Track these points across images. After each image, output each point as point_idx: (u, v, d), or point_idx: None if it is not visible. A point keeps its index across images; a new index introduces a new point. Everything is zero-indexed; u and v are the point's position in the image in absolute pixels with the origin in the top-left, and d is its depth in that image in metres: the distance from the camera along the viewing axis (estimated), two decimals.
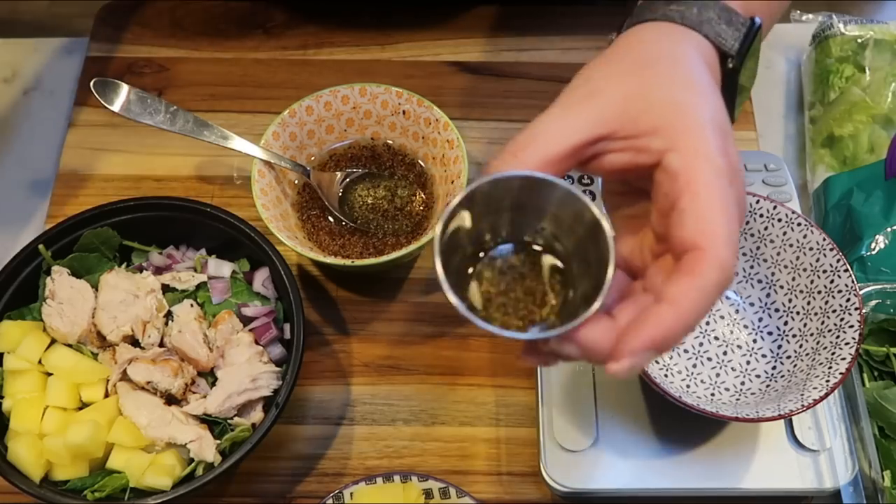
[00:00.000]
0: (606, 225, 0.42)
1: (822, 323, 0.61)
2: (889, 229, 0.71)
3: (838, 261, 0.61)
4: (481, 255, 0.45)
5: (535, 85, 0.84)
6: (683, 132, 0.43)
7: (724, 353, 0.65)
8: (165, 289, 0.67)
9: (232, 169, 0.79)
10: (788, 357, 0.63)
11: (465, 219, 0.42)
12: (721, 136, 0.44)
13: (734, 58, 0.50)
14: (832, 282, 0.61)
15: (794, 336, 0.64)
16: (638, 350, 0.40)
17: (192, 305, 0.65)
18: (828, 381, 0.57)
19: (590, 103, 0.44)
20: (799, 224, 0.63)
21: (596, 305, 0.40)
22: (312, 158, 0.75)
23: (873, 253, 0.71)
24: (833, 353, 0.59)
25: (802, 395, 0.58)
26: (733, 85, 0.51)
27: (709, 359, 0.65)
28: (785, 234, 0.64)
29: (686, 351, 0.65)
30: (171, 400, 0.62)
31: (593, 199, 0.73)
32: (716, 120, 0.44)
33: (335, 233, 0.72)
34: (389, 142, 0.76)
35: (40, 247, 0.65)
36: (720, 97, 0.46)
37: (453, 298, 0.40)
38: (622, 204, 0.48)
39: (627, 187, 0.47)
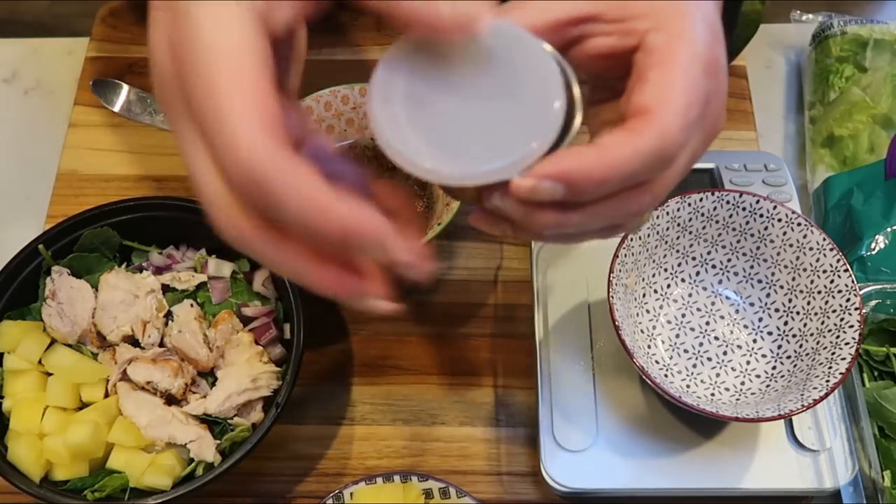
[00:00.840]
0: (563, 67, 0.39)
1: (822, 323, 0.61)
2: (889, 229, 0.71)
3: (838, 261, 0.61)
4: None
5: None
6: (672, 16, 0.40)
7: (724, 353, 0.65)
8: (165, 289, 0.67)
9: None
10: (788, 357, 0.63)
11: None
12: (709, 32, 0.40)
13: None
14: (832, 282, 0.61)
15: (794, 336, 0.64)
16: (547, 174, 0.37)
17: (192, 305, 0.65)
18: (828, 381, 0.57)
19: None
20: (799, 224, 0.63)
21: (537, 145, 0.37)
22: None
23: (873, 253, 0.71)
24: (833, 353, 0.59)
25: (802, 395, 0.58)
26: (734, 12, 0.48)
27: (709, 359, 0.65)
28: (785, 234, 0.64)
29: (686, 351, 0.65)
30: (171, 400, 0.62)
31: None
32: (707, 18, 0.41)
33: None
34: None
35: (40, 247, 0.65)
36: (717, 8, 0.43)
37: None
38: (597, 112, 0.44)
39: (602, 91, 0.44)
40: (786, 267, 0.64)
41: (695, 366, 0.65)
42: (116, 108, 0.74)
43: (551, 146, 0.38)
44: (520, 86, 0.39)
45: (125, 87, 0.76)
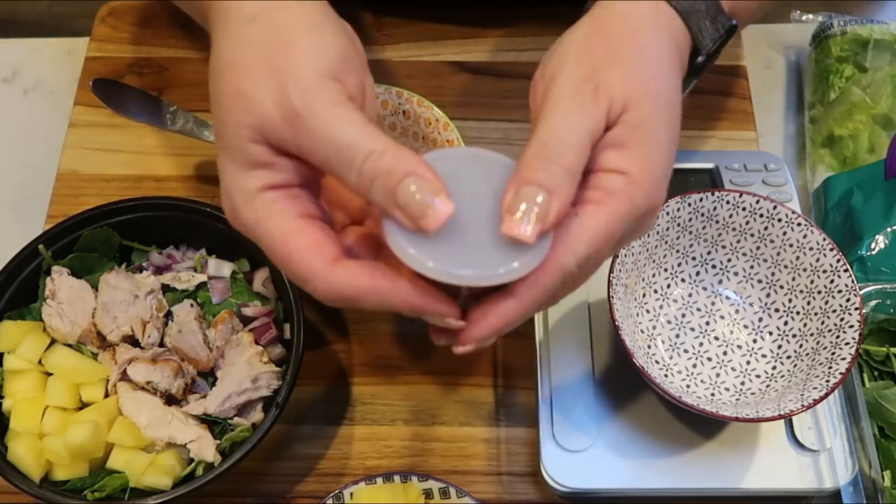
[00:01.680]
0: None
1: (823, 323, 0.61)
2: (889, 229, 0.71)
3: (838, 261, 0.61)
4: None
5: None
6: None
7: (724, 353, 0.65)
8: (165, 289, 0.67)
9: None
10: (788, 357, 0.63)
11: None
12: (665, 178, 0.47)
13: (705, 56, 0.52)
14: (832, 282, 0.61)
15: (794, 336, 0.64)
16: (482, 338, 0.44)
17: (192, 305, 0.65)
18: (828, 381, 0.57)
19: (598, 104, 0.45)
20: (799, 224, 0.63)
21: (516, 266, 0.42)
22: None
23: (873, 253, 0.71)
24: (833, 353, 0.59)
25: (802, 395, 0.58)
26: (694, 74, 0.53)
27: (709, 359, 0.65)
28: (785, 234, 0.64)
29: (686, 351, 0.65)
30: (171, 400, 0.62)
31: None
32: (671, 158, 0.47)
33: None
34: None
35: (40, 247, 0.65)
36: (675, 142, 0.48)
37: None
38: None
39: None
40: (786, 267, 0.64)
41: (695, 366, 0.65)
42: (116, 108, 0.74)
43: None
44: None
45: (125, 87, 0.76)
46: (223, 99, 0.44)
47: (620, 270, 0.62)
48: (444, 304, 0.44)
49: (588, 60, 0.46)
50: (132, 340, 0.65)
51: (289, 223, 0.43)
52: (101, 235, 0.67)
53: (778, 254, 0.65)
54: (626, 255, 0.62)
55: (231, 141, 0.44)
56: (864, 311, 0.60)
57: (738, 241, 0.65)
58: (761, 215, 0.64)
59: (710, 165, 0.75)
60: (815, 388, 0.57)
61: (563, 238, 0.43)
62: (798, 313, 0.64)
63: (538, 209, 0.41)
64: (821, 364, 0.59)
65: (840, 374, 0.57)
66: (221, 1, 0.47)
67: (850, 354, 0.58)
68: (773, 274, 0.65)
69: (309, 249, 0.43)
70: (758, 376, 0.64)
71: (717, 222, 0.65)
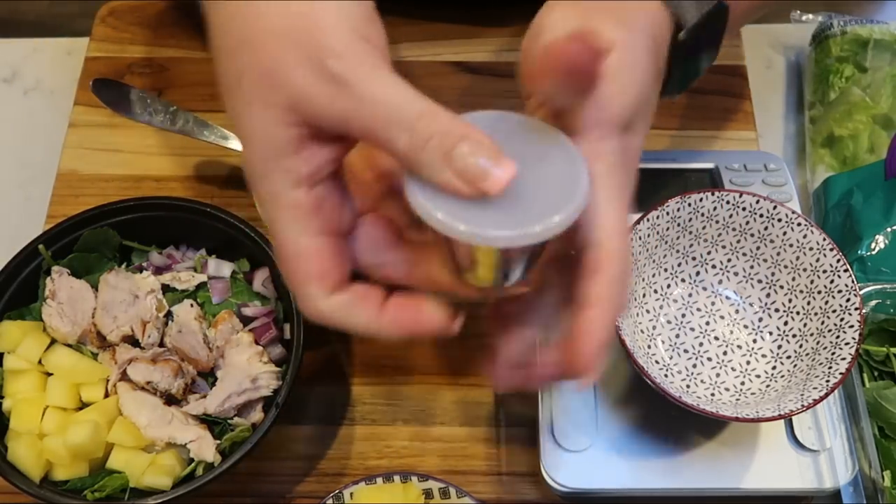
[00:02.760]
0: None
1: (822, 323, 0.61)
2: (889, 229, 0.71)
3: (838, 261, 0.61)
4: None
5: None
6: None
7: (724, 353, 0.65)
8: (165, 289, 0.67)
9: (232, 169, 0.79)
10: (788, 357, 0.63)
11: None
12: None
13: (686, 31, 0.51)
14: (832, 282, 0.61)
15: (794, 336, 0.64)
16: (595, 359, 0.45)
17: (192, 305, 0.65)
18: (828, 381, 0.57)
19: None
20: (799, 224, 0.63)
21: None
22: None
23: (873, 253, 0.71)
24: (833, 353, 0.59)
25: (802, 395, 0.58)
26: (680, 59, 0.53)
27: (709, 359, 0.65)
28: (785, 234, 0.64)
29: (686, 351, 0.65)
30: (171, 400, 0.62)
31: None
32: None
33: None
34: None
35: (40, 247, 0.66)
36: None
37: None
38: None
39: None
40: (786, 267, 0.64)
41: (695, 366, 0.65)
42: (116, 108, 0.74)
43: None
44: (550, 166, 0.42)
45: (125, 87, 0.76)
46: (243, 81, 0.41)
47: None
48: (432, 320, 0.44)
49: None
50: (132, 340, 0.65)
51: (302, 241, 0.42)
52: (101, 235, 0.67)
53: (778, 254, 0.65)
54: None
55: (260, 127, 0.41)
56: (864, 311, 0.60)
57: (738, 241, 0.65)
58: (761, 215, 0.64)
59: (710, 165, 0.75)
60: (815, 388, 0.57)
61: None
62: (798, 313, 0.64)
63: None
64: (821, 364, 0.59)
65: (840, 374, 0.57)
66: None
67: (850, 354, 0.58)
68: (773, 274, 0.65)
69: (313, 276, 0.42)
70: (758, 376, 0.64)
71: (717, 222, 0.65)
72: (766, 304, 0.66)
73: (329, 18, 0.41)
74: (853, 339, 0.58)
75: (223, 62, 0.43)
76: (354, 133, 0.41)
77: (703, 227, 0.65)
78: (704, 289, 0.67)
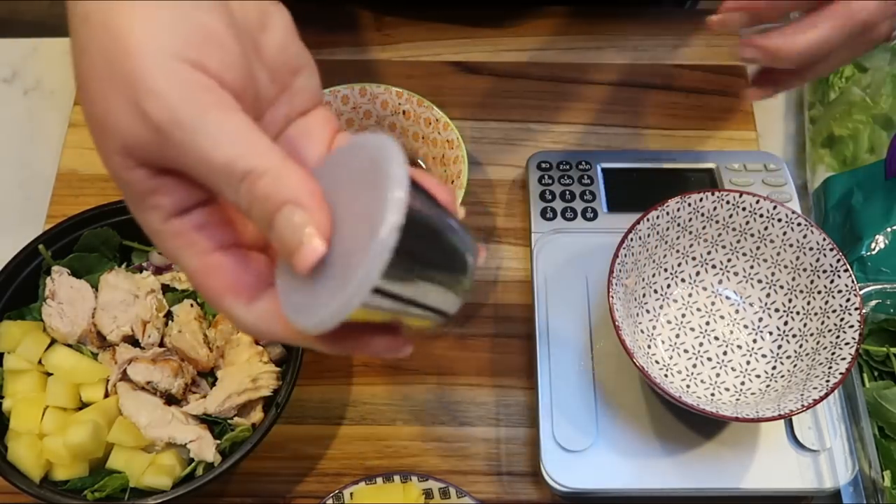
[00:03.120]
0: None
1: (822, 323, 0.61)
2: (889, 229, 0.71)
3: (838, 261, 0.61)
4: None
5: (535, 85, 0.84)
6: None
7: (724, 353, 0.65)
8: (165, 289, 0.67)
9: None
10: (788, 357, 0.63)
11: None
12: None
13: None
14: (832, 282, 0.61)
15: (794, 336, 0.64)
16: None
17: (192, 305, 0.65)
18: (828, 381, 0.57)
19: None
20: (799, 224, 0.63)
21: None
22: None
23: (873, 253, 0.71)
24: (833, 353, 0.59)
25: (802, 395, 0.58)
26: None
27: (709, 359, 0.65)
28: (785, 234, 0.64)
29: (686, 351, 0.65)
30: (171, 400, 0.62)
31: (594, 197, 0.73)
32: None
33: None
34: None
35: (40, 247, 0.65)
36: None
37: None
38: None
39: None
40: (786, 267, 0.64)
41: (695, 366, 0.65)
42: None
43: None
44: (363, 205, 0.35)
45: None
46: (89, 128, 0.38)
47: (620, 270, 0.62)
48: (370, 338, 0.40)
49: None
50: (132, 340, 0.65)
51: (197, 261, 0.39)
52: (101, 235, 0.67)
53: (778, 254, 0.65)
54: (625, 255, 0.62)
55: (112, 174, 0.38)
56: (864, 311, 0.60)
57: (738, 241, 0.65)
58: (761, 215, 0.64)
59: (710, 165, 0.75)
60: (815, 388, 0.57)
61: None
62: (798, 313, 0.64)
63: None
64: (821, 364, 0.59)
65: (840, 374, 0.57)
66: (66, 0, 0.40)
67: (850, 354, 0.58)
68: (772, 274, 0.65)
69: (224, 292, 0.39)
70: (758, 376, 0.64)
71: (717, 222, 0.65)
72: (766, 304, 0.66)
73: (147, 45, 0.35)
74: (853, 339, 0.58)
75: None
76: (195, 180, 0.37)
77: (703, 227, 0.65)
78: (704, 289, 0.67)
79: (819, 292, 0.62)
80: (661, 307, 0.66)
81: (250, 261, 0.40)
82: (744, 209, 0.64)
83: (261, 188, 0.35)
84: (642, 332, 0.65)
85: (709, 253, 0.66)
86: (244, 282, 0.39)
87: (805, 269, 0.63)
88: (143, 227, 0.39)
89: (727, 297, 0.67)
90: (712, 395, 0.63)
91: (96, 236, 0.67)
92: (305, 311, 0.36)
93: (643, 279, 0.65)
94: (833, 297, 0.61)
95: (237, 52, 0.37)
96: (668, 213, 0.63)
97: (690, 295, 0.67)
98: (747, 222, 0.64)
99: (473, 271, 0.40)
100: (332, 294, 0.34)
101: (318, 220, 0.35)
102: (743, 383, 0.64)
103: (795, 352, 0.63)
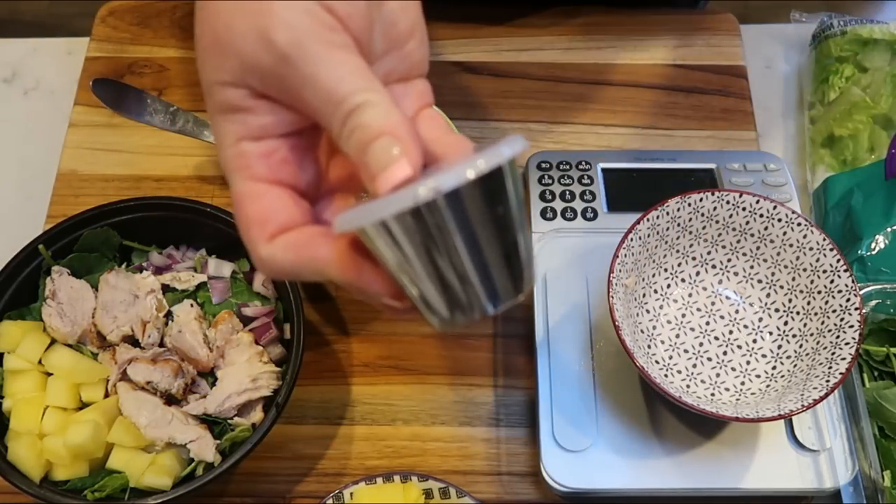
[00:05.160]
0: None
1: (822, 323, 0.61)
2: (889, 229, 0.71)
3: (838, 261, 0.61)
4: None
5: (534, 85, 0.84)
6: None
7: (724, 353, 0.65)
8: (165, 289, 0.67)
9: None
10: (788, 357, 0.63)
11: None
12: None
13: None
14: (832, 282, 0.61)
15: (794, 336, 0.64)
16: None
17: (192, 305, 0.65)
18: (828, 381, 0.57)
19: None
20: (799, 224, 0.63)
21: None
22: None
23: (873, 253, 0.71)
24: (833, 353, 0.59)
25: (802, 395, 0.58)
26: None
27: (709, 359, 0.65)
28: (785, 234, 0.64)
29: (686, 351, 0.65)
30: (171, 400, 0.62)
31: (593, 198, 0.73)
32: None
33: None
34: None
35: (40, 247, 0.65)
36: None
37: None
38: None
39: None
40: (786, 267, 0.64)
41: (695, 366, 0.65)
42: (116, 108, 0.74)
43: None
44: None
45: (125, 87, 0.76)
46: (199, 44, 0.41)
47: (620, 270, 0.62)
48: (378, 279, 0.40)
49: None
50: (132, 340, 0.65)
51: (245, 185, 0.41)
52: (101, 235, 0.67)
53: (778, 254, 0.65)
54: (626, 255, 0.62)
55: (207, 84, 0.41)
56: (864, 311, 0.60)
57: (738, 241, 0.65)
58: (761, 215, 0.64)
59: (710, 165, 0.75)
60: (815, 388, 0.57)
61: None
62: (798, 313, 0.64)
63: None
64: (821, 364, 0.59)
65: (840, 374, 0.57)
66: None
67: (850, 354, 0.58)
68: (773, 274, 0.65)
69: (253, 219, 0.41)
70: (758, 376, 0.64)
71: (717, 222, 0.65)
72: (766, 304, 0.66)
73: None
74: (853, 339, 0.58)
75: (195, 29, 0.42)
76: (299, 109, 0.40)
77: (703, 227, 0.65)
78: (704, 289, 0.67)
79: (819, 292, 0.62)
80: (661, 307, 0.66)
81: (293, 203, 0.42)
82: (744, 209, 0.64)
83: (367, 117, 0.37)
84: (642, 332, 0.65)
85: (709, 253, 0.66)
86: (276, 219, 0.41)
87: (805, 269, 0.63)
88: (216, 135, 0.42)
89: (727, 297, 0.67)
90: (712, 395, 0.63)
91: (96, 236, 0.67)
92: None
93: (643, 279, 0.65)
94: (833, 297, 0.61)
95: (363, 2, 0.40)
96: (668, 213, 0.63)
97: (690, 295, 0.67)
98: (747, 222, 0.64)
99: (473, 316, 0.39)
100: (359, 210, 0.37)
101: (410, 150, 0.37)
102: (743, 383, 0.64)
103: (795, 352, 0.63)
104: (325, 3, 0.39)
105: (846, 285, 0.61)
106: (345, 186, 0.45)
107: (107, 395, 0.63)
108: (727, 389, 0.63)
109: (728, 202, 0.64)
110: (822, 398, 0.56)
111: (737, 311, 0.66)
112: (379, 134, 0.37)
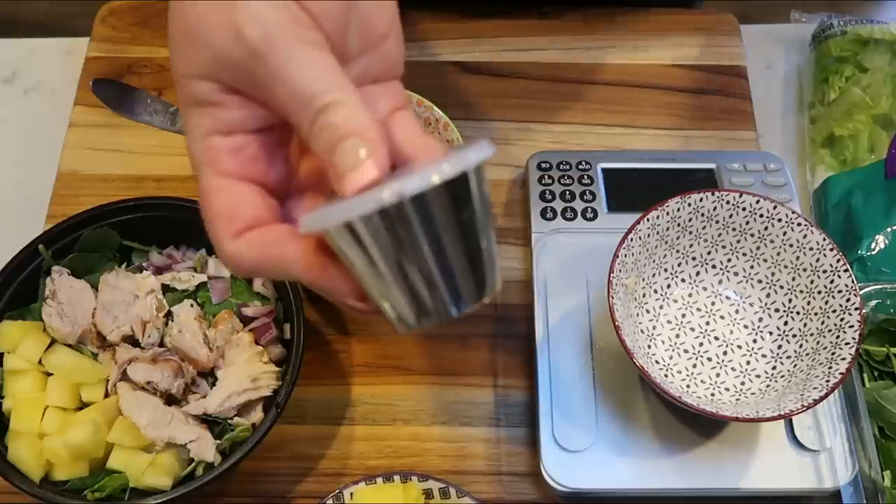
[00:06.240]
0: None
1: (823, 323, 0.61)
2: (889, 229, 0.71)
3: (838, 261, 0.61)
4: None
5: (534, 85, 0.84)
6: None
7: (724, 353, 0.65)
8: (165, 289, 0.67)
9: None
10: (788, 357, 0.63)
11: None
12: None
13: None
14: (832, 282, 0.61)
15: (794, 336, 0.64)
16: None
17: (192, 305, 0.65)
18: (828, 381, 0.57)
19: None
20: (799, 224, 0.63)
21: None
22: None
23: (873, 253, 0.71)
24: (833, 353, 0.59)
25: (802, 395, 0.58)
26: None
27: (709, 359, 0.65)
28: (785, 234, 0.64)
29: (686, 351, 0.65)
30: (171, 400, 0.62)
31: (593, 198, 0.73)
32: None
33: None
34: None
35: (40, 247, 0.65)
36: None
37: None
38: None
39: None
40: (786, 267, 0.64)
41: (695, 366, 0.65)
42: (116, 109, 0.74)
43: None
44: None
45: (125, 87, 0.76)
46: (171, 34, 0.40)
47: (620, 270, 0.62)
48: (344, 280, 0.40)
49: None
50: (132, 340, 0.65)
51: (213, 180, 0.41)
52: (101, 235, 0.67)
53: (778, 254, 0.65)
54: (626, 255, 0.62)
55: (177, 76, 0.41)
56: (864, 311, 0.60)
57: (738, 241, 0.65)
58: (761, 215, 0.64)
59: (710, 165, 0.75)
60: (815, 388, 0.57)
61: None
62: (798, 313, 0.64)
63: None
64: (821, 364, 0.59)
65: (840, 374, 0.57)
66: None
67: (850, 354, 0.58)
68: (773, 274, 0.65)
69: (220, 215, 0.41)
70: (758, 376, 0.64)
71: (717, 222, 0.65)
72: (766, 304, 0.66)
73: None
74: (853, 339, 0.58)
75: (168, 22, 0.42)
76: (269, 105, 0.40)
77: (703, 227, 0.65)
78: (704, 289, 0.67)
79: (819, 292, 0.62)
80: (661, 307, 0.66)
81: (261, 200, 0.42)
82: (744, 209, 0.64)
83: (336, 117, 0.37)
84: (642, 332, 0.65)
85: (709, 253, 0.66)
86: (243, 216, 0.41)
87: (805, 269, 0.63)
88: (185, 128, 0.41)
89: (727, 297, 0.67)
90: (712, 395, 0.63)
91: (96, 236, 0.67)
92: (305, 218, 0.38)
93: (643, 279, 0.65)
94: (833, 297, 0.61)
95: (338, 1, 0.40)
96: (668, 213, 0.63)
97: (690, 295, 0.67)
98: (747, 222, 0.64)
99: (436, 319, 0.39)
100: (324, 211, 0.37)
101: (378, 152, 0.37)
102: (743, 383, 0.64)
103: (795, 352, 0.63)
104: (298, 1, 0.39)
105: (846, 285, 0.61)
106: (316, 185, 0.45)
107: (107, 395, 0.63)
108: (727, 389, 0.63)
109: (728, 202, 0.64)
110: (822, 398, 0.56)
111: (737, 312, 0.66)
112: (347, 135, 0.37)
